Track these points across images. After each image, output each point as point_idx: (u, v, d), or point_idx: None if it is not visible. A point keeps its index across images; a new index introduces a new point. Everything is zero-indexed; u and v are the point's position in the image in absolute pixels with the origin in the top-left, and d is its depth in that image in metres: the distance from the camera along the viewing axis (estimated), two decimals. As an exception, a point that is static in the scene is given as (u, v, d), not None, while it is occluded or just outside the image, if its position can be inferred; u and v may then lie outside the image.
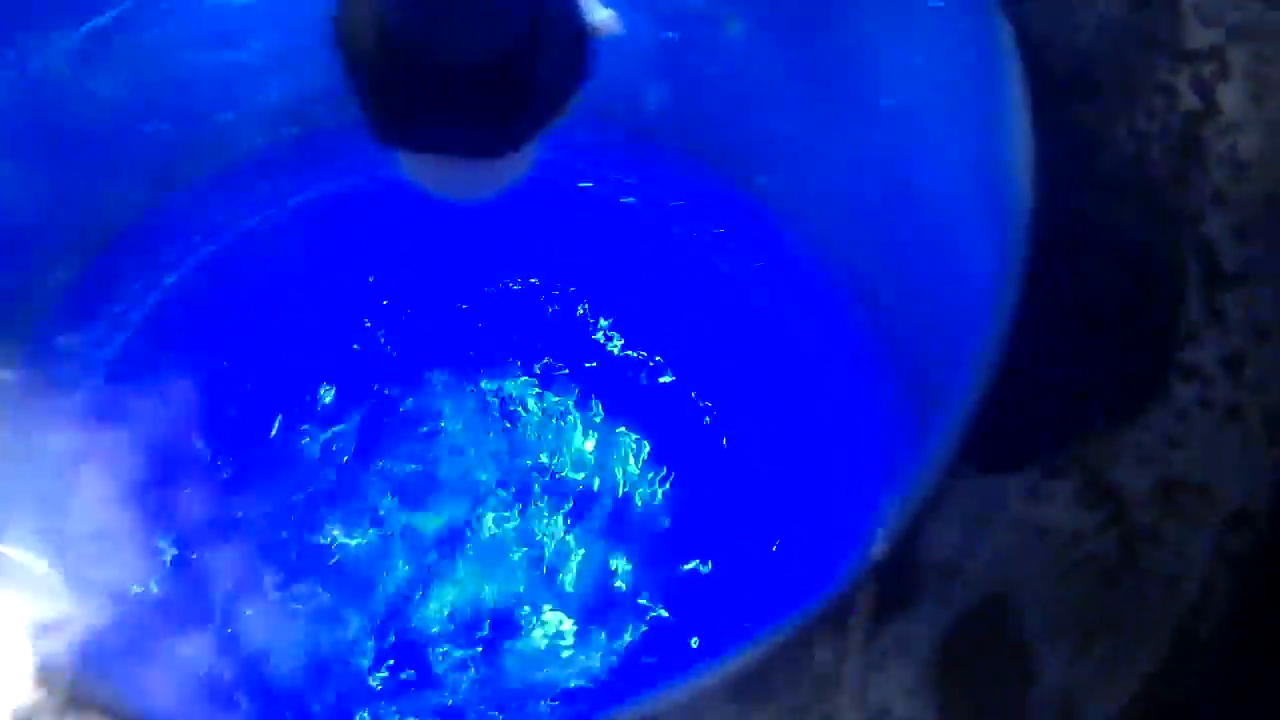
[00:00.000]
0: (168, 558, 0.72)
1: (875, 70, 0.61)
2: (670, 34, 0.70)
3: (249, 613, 0.72)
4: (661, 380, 0.78)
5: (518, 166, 0.46)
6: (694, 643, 0.72)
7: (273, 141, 0.79)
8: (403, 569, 0.74)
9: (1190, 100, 0.49)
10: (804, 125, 0.68)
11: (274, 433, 0.76)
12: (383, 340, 0.79)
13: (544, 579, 0.74)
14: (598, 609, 0.73)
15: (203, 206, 0.79)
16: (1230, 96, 0.49)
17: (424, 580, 0.74)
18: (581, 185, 0.79)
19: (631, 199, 0.79)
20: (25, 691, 0.55)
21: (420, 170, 0.46)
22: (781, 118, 0.69)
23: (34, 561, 0.63)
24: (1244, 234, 0.47)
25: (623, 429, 0.77)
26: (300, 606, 0.73)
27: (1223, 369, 0.46)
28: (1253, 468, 0.45)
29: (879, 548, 0.45)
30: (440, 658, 0.73)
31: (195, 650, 0.70)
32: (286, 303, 0.79)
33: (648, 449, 0.77)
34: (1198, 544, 0.45)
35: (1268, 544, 0.45)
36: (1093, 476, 0.46)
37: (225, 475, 0.75)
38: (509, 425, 0.78)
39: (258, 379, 0.78)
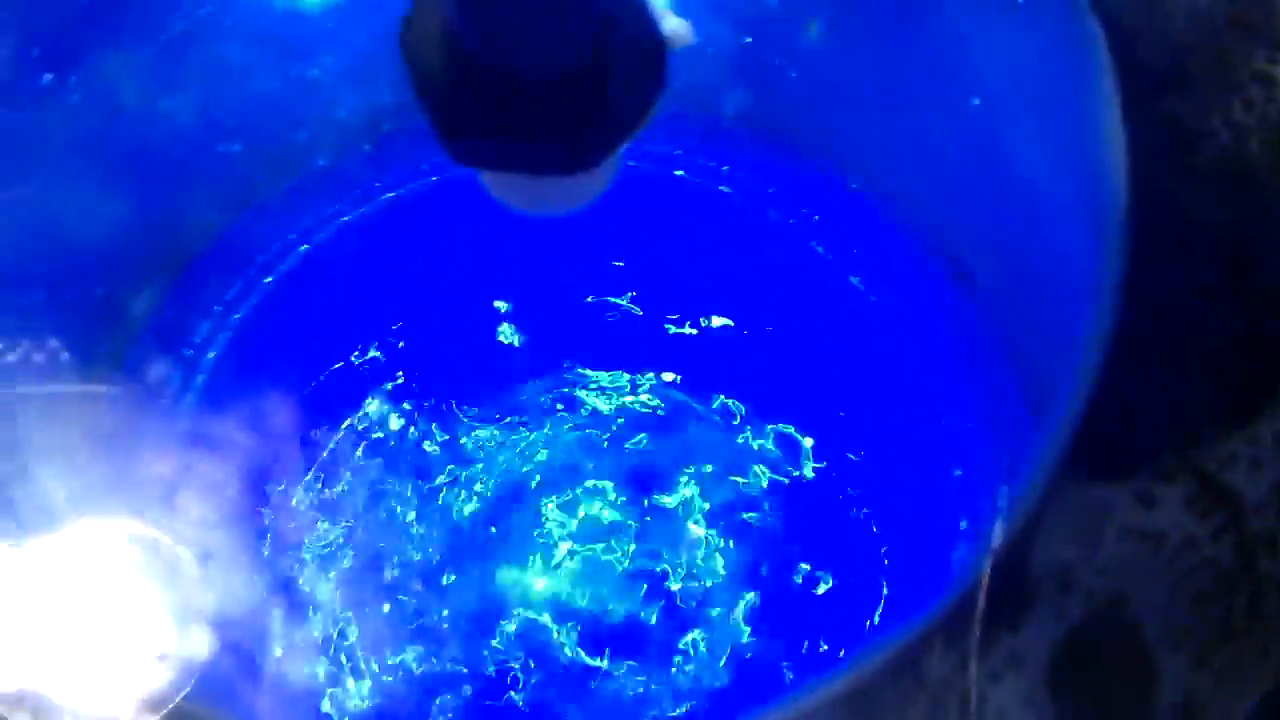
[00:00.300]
0: (269, 579, 0.72)
1: (960, 68, 0.60)
2: (748, 38, 0.69)
3: (355, 636, 0.72)
4: (760, 364, 0.77)
5: (598, 181, 0.45)
6: (804, 648, 0.71)
7: (345, 156, 0.79)
8: (510, 586, 0.74)
9: None
10: (889, 123, 0.67)
11: (360, 450, 0.76)
12: (475, 347, 0.78)
13: (654, 588, 0.74)
14: (702, 617, 0.73)
15: (277, 223, 0.79)
16: None
17: (532, 593, 0.73)
18: (676, 174, 0.78)
19: (726, 188, 0.78)
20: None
21: (499, 188, 0.46)
22: (864, 116, 0.68)
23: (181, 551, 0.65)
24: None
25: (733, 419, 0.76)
26: (410, 626, 0.73)
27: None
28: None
29: (990, 558, 0.44)
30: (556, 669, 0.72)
31: (301, 673, 0.70)
32: (370, 312, 0.78)
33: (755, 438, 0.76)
34: (1318, 548, 0.44)
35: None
36: (1205, 481, 0.45)
37: (323, 494, 0.75)
38: (604, 430, 0.77)
39: (344, 392, 0.77)
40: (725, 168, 0.78)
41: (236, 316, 0.78)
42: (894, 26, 0.62)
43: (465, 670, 0.72)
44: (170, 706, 0.62)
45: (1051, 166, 0.55)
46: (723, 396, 0.77)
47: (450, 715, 0.71)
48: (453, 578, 0.74)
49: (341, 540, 0.74)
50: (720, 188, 0.77)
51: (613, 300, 0.78)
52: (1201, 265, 0.47)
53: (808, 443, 0.75)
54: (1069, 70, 0.50)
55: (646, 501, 0.75)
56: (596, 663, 0.72)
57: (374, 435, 0.77)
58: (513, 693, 0.71)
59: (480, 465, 0.77)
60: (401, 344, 0.78)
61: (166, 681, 0.64)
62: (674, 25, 0.43)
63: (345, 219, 0.79)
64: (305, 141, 0.78)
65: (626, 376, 0.78)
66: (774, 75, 0.70)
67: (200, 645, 0.63)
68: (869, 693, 0.44)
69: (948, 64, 0.61)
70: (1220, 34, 0.48)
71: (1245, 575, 0.44)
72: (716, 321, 0.77)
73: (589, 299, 0.78)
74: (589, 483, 0.76)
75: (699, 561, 0.74)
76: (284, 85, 0.74)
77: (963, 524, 0.69)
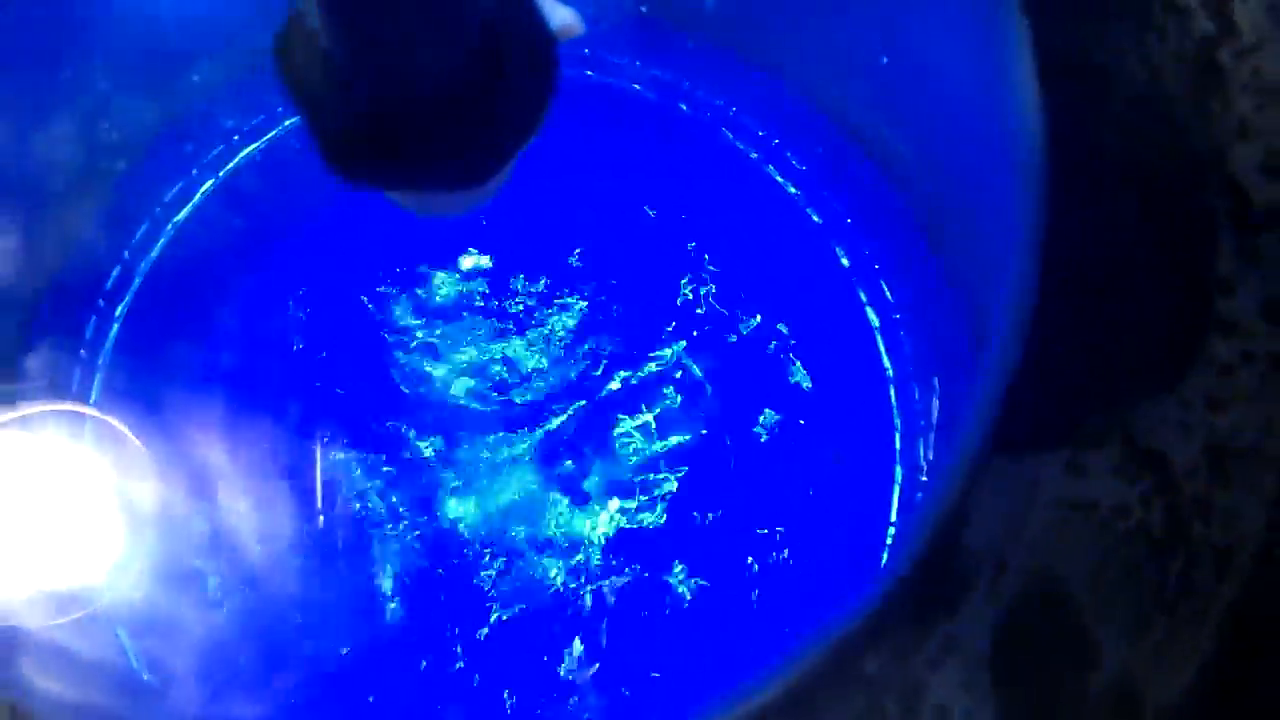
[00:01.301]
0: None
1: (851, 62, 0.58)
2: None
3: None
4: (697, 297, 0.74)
5: (494, 183, 0.42)
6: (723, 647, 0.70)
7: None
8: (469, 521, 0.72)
9: (1204, 22, 0.46)
10: (825, 33, 0.65)
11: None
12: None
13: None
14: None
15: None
16: (1248, 14, 0.45)
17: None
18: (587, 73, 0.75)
19: (644, 90, 0.75)
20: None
21: (395, 196, 0.43)
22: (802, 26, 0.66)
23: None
24: (1273, 168, 0.44)
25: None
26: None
27: (1263, 318, 0.43)
28: (1304, 422, 0.43)
29: (919, 546, 0.43)
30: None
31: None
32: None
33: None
34: (1251, 513, 0.43)
35: (1326, 504, 0.43)
36: (1133, 446, 0.43)
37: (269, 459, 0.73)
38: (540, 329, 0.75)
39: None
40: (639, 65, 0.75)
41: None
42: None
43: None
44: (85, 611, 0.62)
45: (976, 103, 0.52)
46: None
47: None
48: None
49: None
50: (634, 86, 0.74)
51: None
52: (1122, 217, 0.45)
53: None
54: (985, 13, 0.47)
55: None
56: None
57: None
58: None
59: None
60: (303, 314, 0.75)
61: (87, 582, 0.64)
62: (563, 17, 0.40)
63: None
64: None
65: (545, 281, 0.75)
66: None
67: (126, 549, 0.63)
68: (808, 693, 0.43)
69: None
70: None
71: (1177, 542, 0.43)
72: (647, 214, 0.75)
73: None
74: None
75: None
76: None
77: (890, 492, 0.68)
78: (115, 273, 0.74)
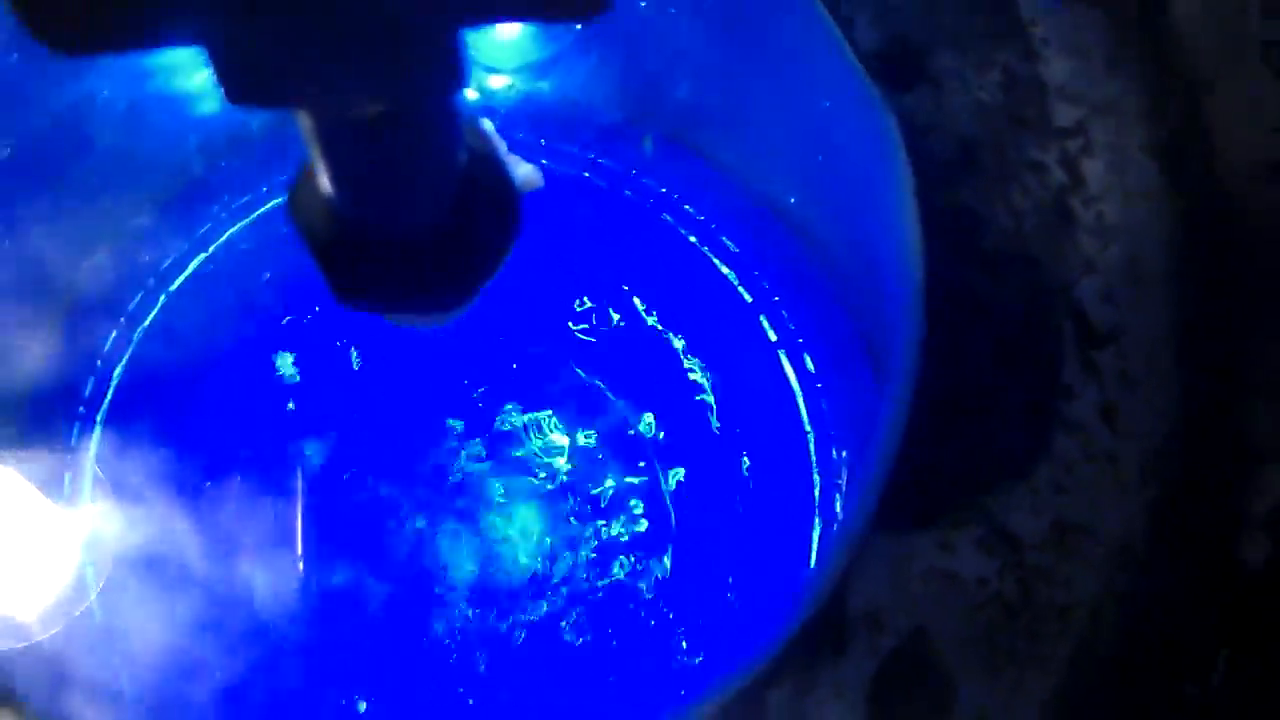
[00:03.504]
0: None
1: (785, 164, 0.66)
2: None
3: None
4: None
5: (461, 307, 0.51)
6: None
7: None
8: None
9: (1059, 175, 0.55)
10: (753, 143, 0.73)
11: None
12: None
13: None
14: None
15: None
16: (1094, 168, 0.55)
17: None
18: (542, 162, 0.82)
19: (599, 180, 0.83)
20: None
21: (391, 315, 0.52)
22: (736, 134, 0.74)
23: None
24: (1111, 296, 0.54)
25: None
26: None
27: (1100, 420, 0.53)
28: (1131, 507, 0.53)
29: (806, 610, 0.52)
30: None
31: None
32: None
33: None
34: (1086, 579, 0.52)
35: (1148, 575, 0.52)
36: (992, 526, 0.53)
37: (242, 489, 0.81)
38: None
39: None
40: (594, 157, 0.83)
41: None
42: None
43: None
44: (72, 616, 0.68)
45: (868, 235, 0.62)
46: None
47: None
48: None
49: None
50: (584, 174, 0.82)
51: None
52: (987, 338, 0.54)
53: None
54: (873, 159, 0.57)
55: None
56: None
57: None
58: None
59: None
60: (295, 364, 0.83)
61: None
62: (525, 173, 0.49)
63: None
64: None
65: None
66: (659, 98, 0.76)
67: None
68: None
69: (773, 163, 0.67)
70: (1000, 127, 0.56)
71: (1026, 604, 0.52)
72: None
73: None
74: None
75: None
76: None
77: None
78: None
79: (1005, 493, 0.53)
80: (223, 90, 0.34)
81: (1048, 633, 0.52)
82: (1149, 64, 0.54)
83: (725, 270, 0.78)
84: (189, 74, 0.64)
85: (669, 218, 0.78)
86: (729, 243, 0.77)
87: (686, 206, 0.78)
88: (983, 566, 0.52)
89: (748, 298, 0.78)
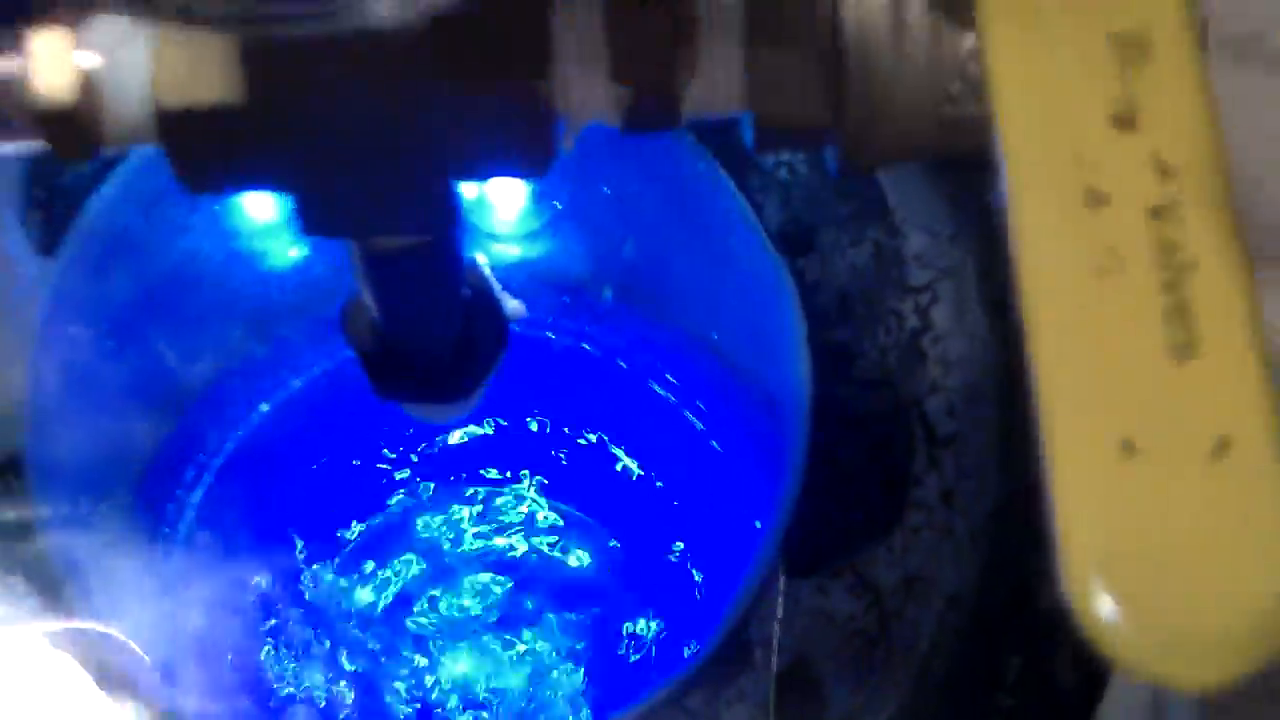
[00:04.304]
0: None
1: (710, 309, 0.86)
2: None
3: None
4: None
5: (468, 404, 0.70)
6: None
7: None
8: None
9: (914, 320, 0.74)
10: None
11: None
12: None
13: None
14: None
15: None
16: (940, 315, 0.74)
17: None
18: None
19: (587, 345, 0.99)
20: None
21: (411, 410, 0.71)
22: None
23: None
24: (952, 410, 0.72)
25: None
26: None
27: (941, 501, 0.71)
28: (963, 565, 0.71)
29: (716, 638, 0.70)
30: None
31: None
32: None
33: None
34: (928, 618, 0.70)
35: (973, 615, 0.70)
36: (860, 576, 0.71)
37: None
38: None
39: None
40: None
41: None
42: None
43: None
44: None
45: (772, 362, 0.81)
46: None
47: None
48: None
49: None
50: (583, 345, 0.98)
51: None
52: (858, 438, 0.73)
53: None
54: (774, 307, 0.76)
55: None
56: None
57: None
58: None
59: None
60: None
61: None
62: (512, 305, 0.68)
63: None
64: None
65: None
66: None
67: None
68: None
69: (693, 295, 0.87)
70: (870, 283, 0.75)
71: (883, 636, 0.70)
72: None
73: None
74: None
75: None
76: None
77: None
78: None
79: (869, 552, 0.71)
80: (298, 224, 0.52)
81: (898, 658, 0.70)
82: (982, 240, 0.73)
83: (664, 394, 0.96)
84: (266, 238, 0.84)
85: (622, 363, 0.96)
86: (670, 376, 0.95)
87: (640, 361, 0.96)
88: (851, 606, 0.70)
89: (688, 416, 0.96)
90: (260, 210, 0.78)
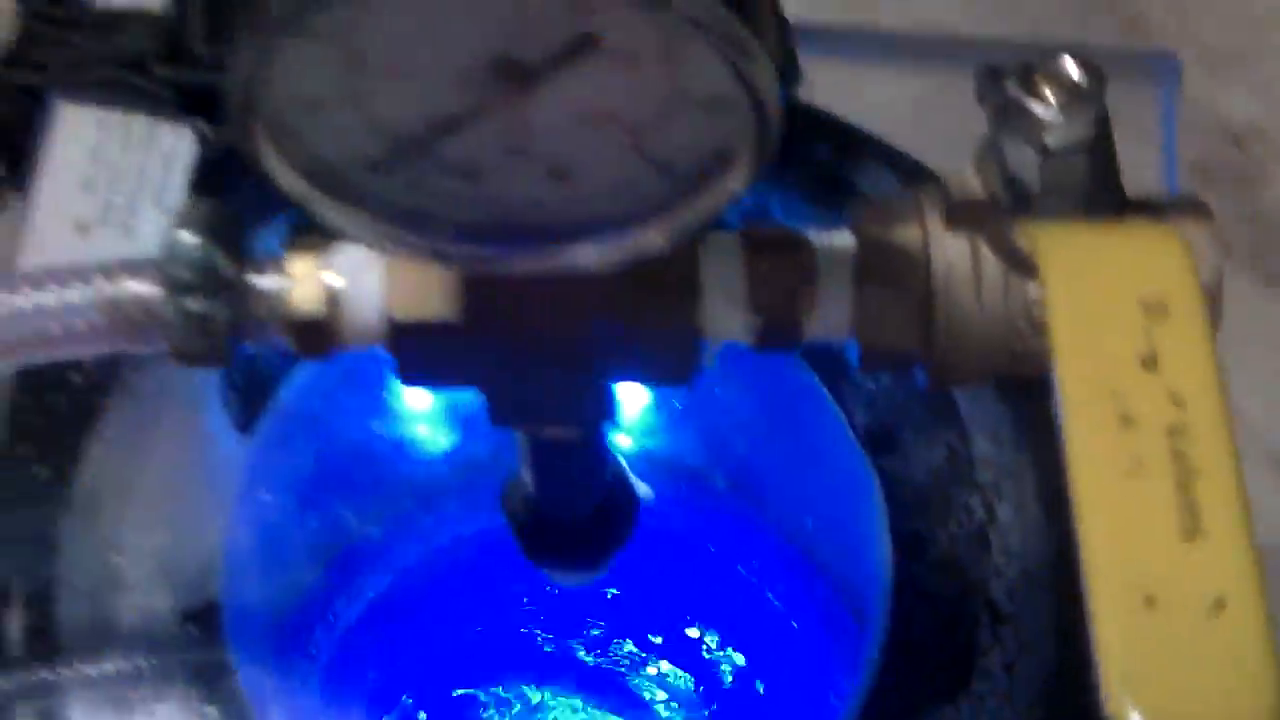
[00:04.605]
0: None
1: (802, 501, 0.98)
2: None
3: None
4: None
5: (601, 570, 0.81)
6: None
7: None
8: None
9: (980, 513, 0.86)
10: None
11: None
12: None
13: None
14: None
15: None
16: (1003, 510, 0.85)
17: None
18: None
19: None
20: None
21: (551, 573, 0.81)
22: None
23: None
24: (1012, 593, 0.83)
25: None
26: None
27: (1003, 670, 0.82)
28: (1020, 723, 0.81)
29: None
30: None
31: None
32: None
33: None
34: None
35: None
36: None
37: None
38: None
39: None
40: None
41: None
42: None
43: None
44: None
45: (856, 549, 0.92)
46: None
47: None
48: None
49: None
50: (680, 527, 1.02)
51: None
52: (932, 615, 0.84)
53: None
54: (860, 499, 0.88)
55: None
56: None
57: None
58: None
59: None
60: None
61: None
62: (641, 489, 0.79)
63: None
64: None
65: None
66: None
67: None
68: None
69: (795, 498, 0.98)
70: (944, 482, 0.86)
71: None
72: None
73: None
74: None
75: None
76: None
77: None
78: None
79: (939, 713, 0.81)
80: (487, 415, 0.63)
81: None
82: (1039, 446, 0.85)
83: (747, 575, 1.05)
84: (427, 422, 0.96)
85: (711, 546, 1.06)
86: (755, 560, 1.05)
87: (738, 544, 1.07)
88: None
89: (770, 597, 1.06)
90: (422, 400, 0.90)
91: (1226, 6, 1.18)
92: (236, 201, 0.58)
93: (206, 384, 0.84)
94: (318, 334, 0.53)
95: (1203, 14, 1.13)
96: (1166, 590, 0.41)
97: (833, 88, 0.88)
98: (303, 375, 0.84)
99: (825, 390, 0.87)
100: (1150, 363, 0.43)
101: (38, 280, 0.53)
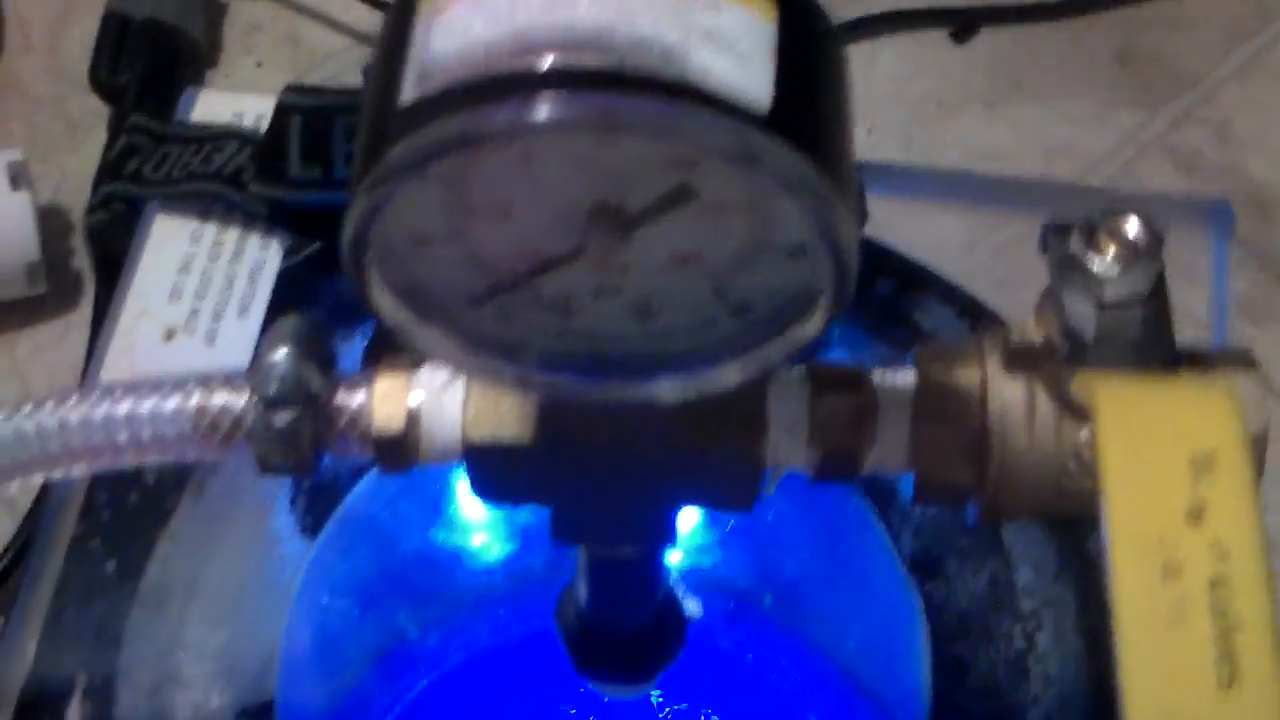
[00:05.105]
0: None
1: (845, 624, 1.00)
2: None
3: None
4: None
5: (648, 685, 0.83)
6: None
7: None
8: None
9: (1020, 641, 0.88)
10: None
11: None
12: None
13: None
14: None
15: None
16: (1043, 639, 0.87)
17: None
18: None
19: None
20: None
21: (599, 685, 0.83)
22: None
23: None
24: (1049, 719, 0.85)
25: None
26: None
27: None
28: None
29: None
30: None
31: None
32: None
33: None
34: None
35: None
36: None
37: None
38: None
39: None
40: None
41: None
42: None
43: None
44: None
45: (896, 673, 0.94)
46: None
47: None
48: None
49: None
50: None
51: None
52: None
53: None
54: (903, 624, 0.90)
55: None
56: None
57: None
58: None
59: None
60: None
61: None
62: (690, 606, 0.81)
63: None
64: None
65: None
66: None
67: None
68: None
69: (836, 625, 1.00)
70: (986, 610, 0.88)
71: None
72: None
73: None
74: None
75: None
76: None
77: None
78: None
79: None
80: (551, 531, 0.65)
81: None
82: (1080, 579, 0.87)
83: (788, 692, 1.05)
84: (482, 532, 0.99)
85: (751, 656, 1.06)
86: (796, 674, 1.06)
87: (782, 662, 1.09)
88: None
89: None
90: (479, 511, 0.93)
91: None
92: (317, 315, 0.61)
93: (275, 486, 0.87)
94: (398, 450, 0.54)
95: (1254, 152, 1.16)
96: (1204, 738, 0.42)
97: (893, 223, 0.91)
98: (367, 483, 0.87)
99: (873, 515, 0.89)
100: (1196, 515, 0.45)
101: (135, 389, 0.55)
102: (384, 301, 0.44)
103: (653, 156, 0.37)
